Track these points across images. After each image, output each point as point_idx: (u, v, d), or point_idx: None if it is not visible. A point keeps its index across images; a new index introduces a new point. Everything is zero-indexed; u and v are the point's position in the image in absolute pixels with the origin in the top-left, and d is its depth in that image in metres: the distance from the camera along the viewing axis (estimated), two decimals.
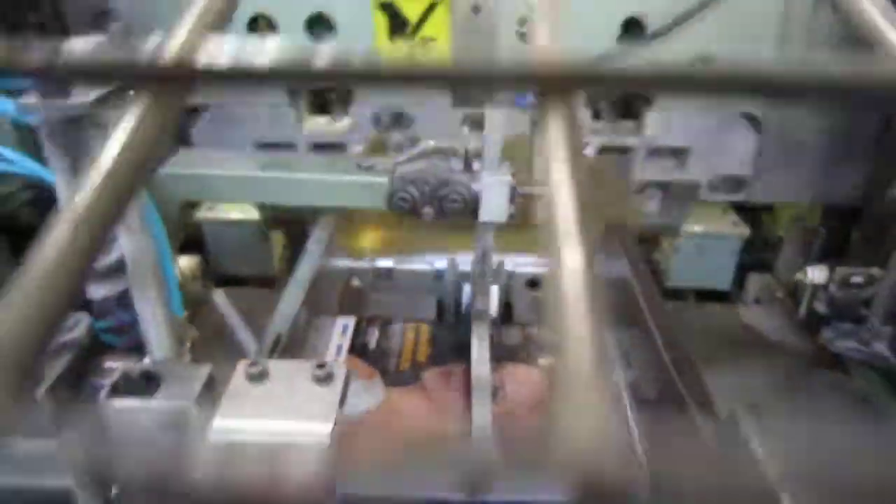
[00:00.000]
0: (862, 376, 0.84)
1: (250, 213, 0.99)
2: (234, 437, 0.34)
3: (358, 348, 0.85)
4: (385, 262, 1.03)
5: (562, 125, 0.15)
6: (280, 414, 0.35)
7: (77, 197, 0.12)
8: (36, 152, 0.50)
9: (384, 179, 0.69)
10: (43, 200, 0.64)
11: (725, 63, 0.14)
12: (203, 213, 0.98)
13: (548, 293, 0.12)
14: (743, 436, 0.49)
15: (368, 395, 0.77)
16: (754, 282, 1.02)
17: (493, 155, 0.69)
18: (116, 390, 0.34)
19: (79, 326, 0.36)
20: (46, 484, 0.36)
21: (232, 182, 0.68)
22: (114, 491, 0.37)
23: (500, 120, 0.68)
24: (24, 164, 0.54)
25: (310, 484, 0.35)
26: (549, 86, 0.15)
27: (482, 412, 0.73)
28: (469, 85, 0.17)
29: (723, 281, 1.01)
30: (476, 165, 0.70)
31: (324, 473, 0.35)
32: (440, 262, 1.01)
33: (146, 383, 0.35)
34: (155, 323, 0.37)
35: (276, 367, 0.37)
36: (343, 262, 1.03)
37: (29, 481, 0.37)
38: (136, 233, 0.34)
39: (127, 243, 0.33)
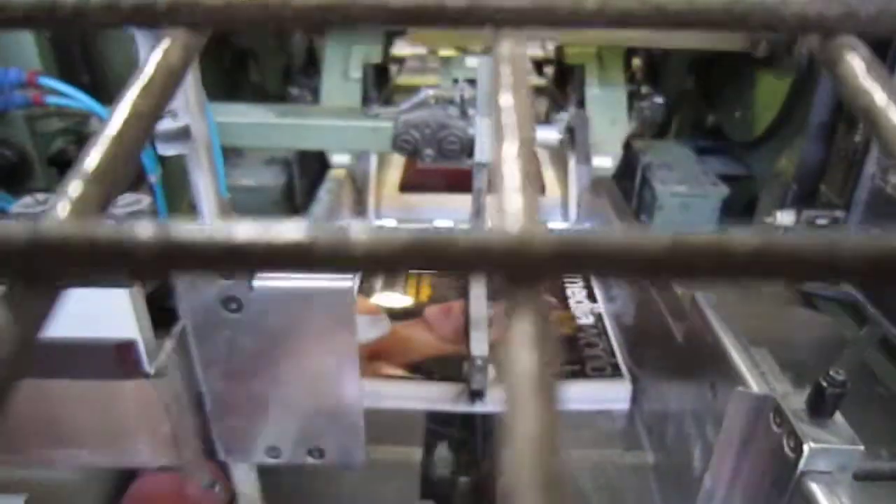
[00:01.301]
0: (830, 312, 0.91)
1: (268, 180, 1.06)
2: (273, 283, 0.42)
3: (365, 290, 0.92)
4: (388, 222, 1.11)
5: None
6: None
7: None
8: None
9: (389, 124, 0.77)
10: (88, 138, 0.72)
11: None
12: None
13: None
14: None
15: (376, 328, 0.85)
16: None
17: (485, 102, 0.77)
18: None
19: (142, 203, 0.43)
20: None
21: (252, 129, 0.76)
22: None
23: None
24: (80, 99, 0.61)
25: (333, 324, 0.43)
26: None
27: (479, 338, 0.80)
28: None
29: None
30: (471, 112, 0.77)
31: (347, 315, 0.42)
32: (440, 222, 1.09)
33: None
34: (206, 197, 0.44)
35: None
36: (345, 223, 1.10)
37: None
38: (195, 113, 0.42)
39: (189, 120, 0.41)
